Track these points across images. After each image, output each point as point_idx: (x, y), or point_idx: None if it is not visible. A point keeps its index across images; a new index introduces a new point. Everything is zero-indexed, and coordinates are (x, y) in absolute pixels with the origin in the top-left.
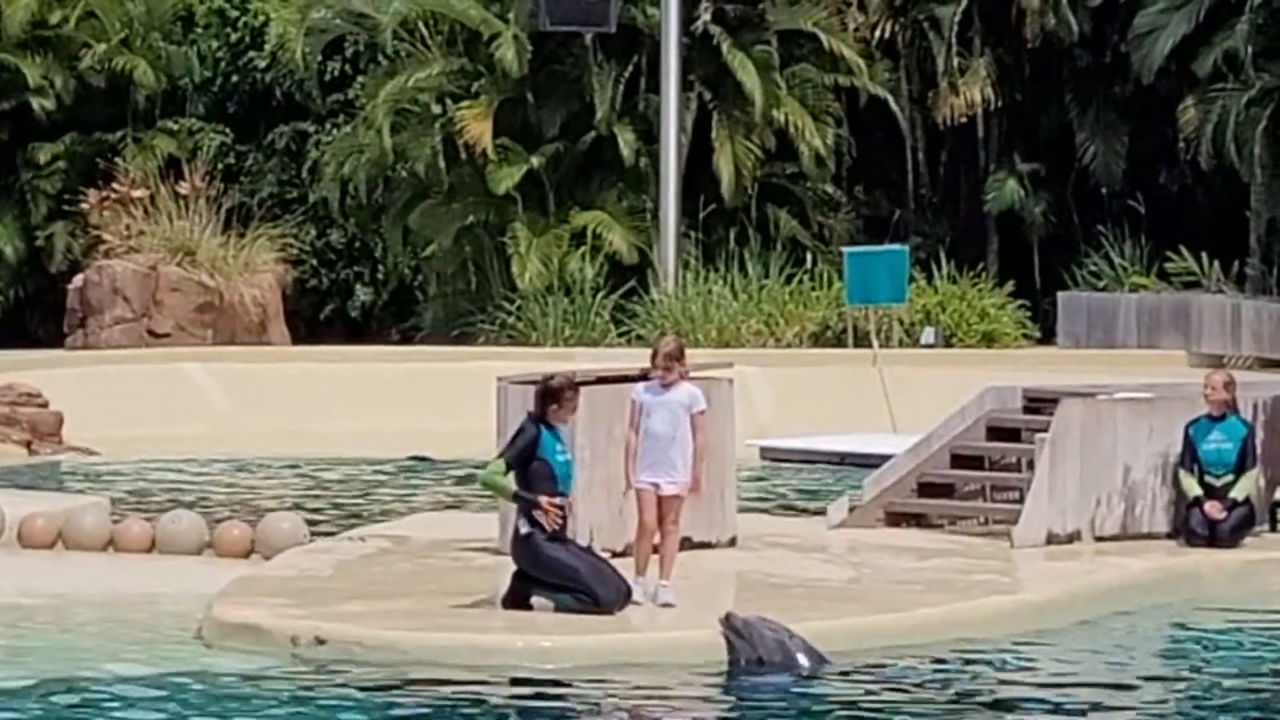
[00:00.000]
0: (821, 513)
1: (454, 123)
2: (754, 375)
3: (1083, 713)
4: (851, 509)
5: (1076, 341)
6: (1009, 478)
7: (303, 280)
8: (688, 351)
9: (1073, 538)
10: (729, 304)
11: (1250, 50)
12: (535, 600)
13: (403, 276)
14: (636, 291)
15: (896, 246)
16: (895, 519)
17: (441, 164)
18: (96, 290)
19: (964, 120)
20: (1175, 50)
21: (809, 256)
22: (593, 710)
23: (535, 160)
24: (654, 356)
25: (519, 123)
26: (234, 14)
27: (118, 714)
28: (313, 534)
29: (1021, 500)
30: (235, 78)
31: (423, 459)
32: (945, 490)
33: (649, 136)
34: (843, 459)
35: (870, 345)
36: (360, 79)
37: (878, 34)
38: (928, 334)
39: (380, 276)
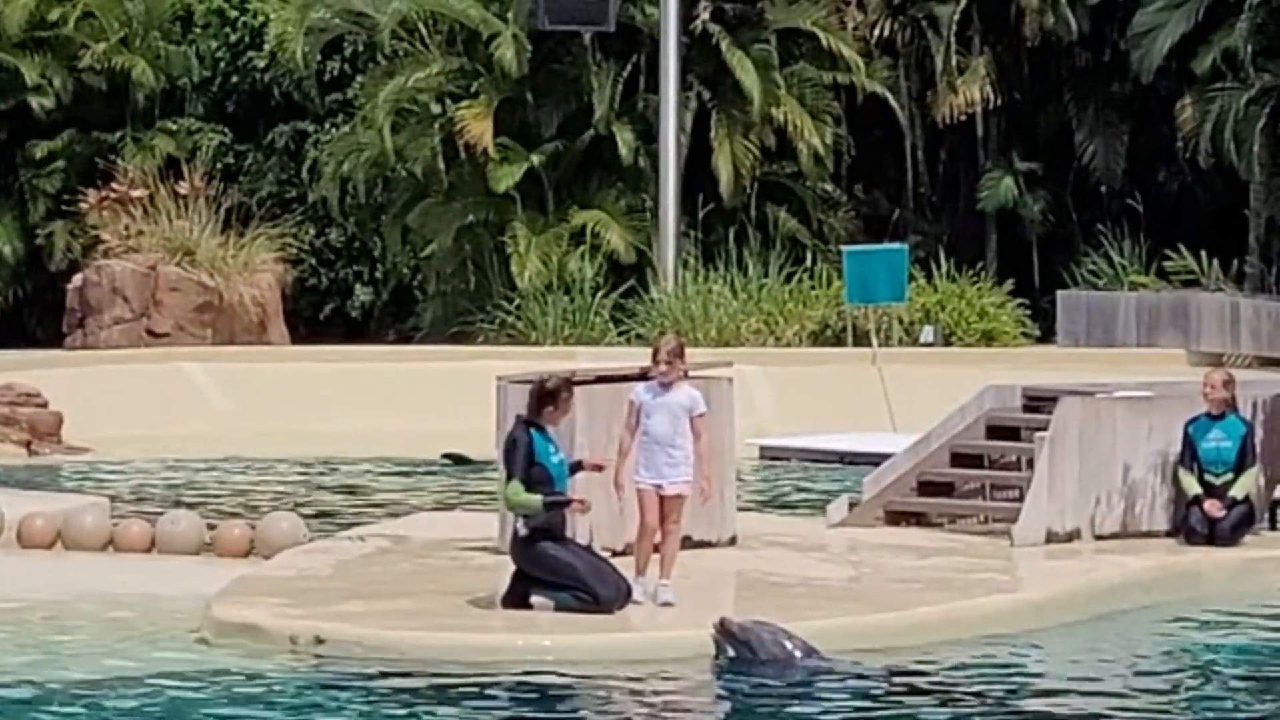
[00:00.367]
0: (821, 512)
1: (453, 122)
2: (753, 374)
3: (1083, 712)
4: (851, 508)
5: (1076, 340)
6: (1008, 476)
7: (302, 280)
8: (687, 351)
9: (1072, 536)
10: (728, 303)
11: (1249, 49)
12: (535, 599)
13: (402, 276)
14: (636, 291)
15: (896, 245)
16: (895, 518)
17: (441, 163)
18: (96, 290)
19: (963, 119)
20: (1174, 49)
21: (808, 255)
22: (593, 709)
23: (534, 159)
24: (654, 355)
25: (518, 122)
26: (233, 14)
27: (117, 714)
28: (312, 534)
29: (1021, 499)
30: (234, 77)
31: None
32: (945, 489)
33: (648, 135)
34: (842, 458)
35: (870, 344)
36: (359, 79)
37: (877, 32)
38: (927, 333)
39: (380, 276)
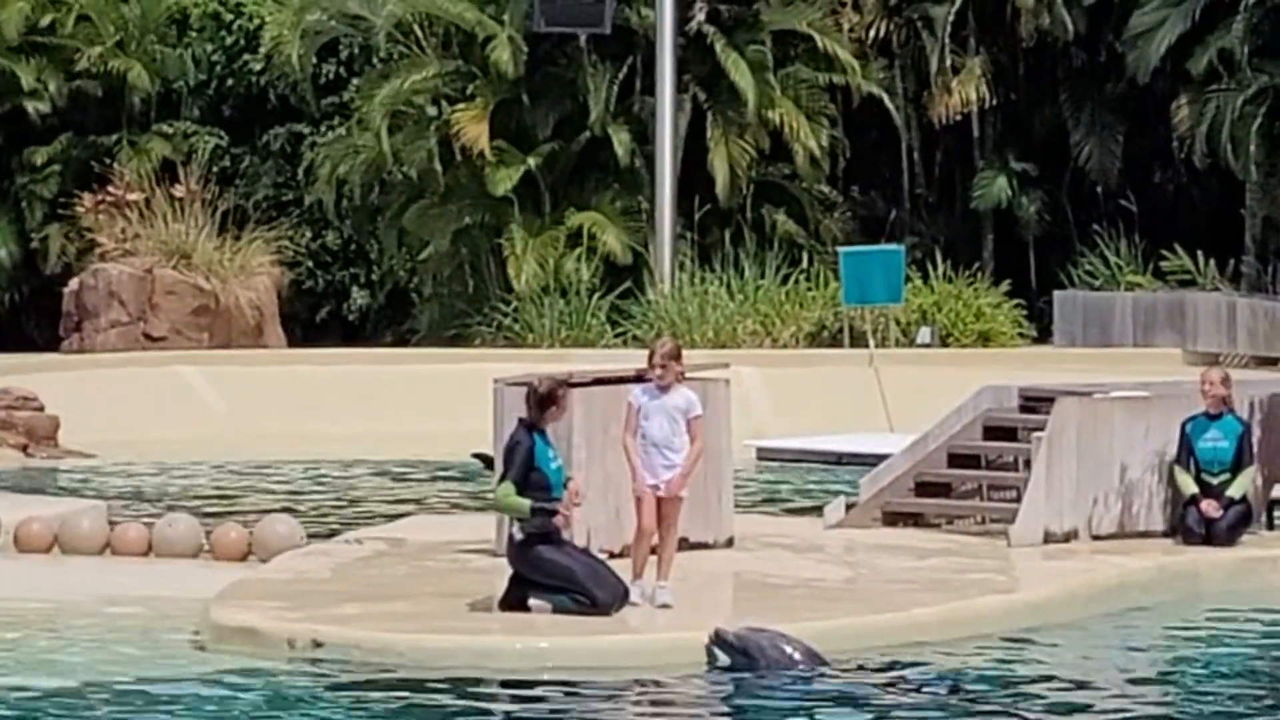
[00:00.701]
0: (818, 513)
1: (449, 124)
2: (750, 376)
3: (1080, 711)
4: (848, 509)
5: (1072, 340)
6: (1006, 477)
7: (298, 282)
8: (684, 352)
9: (1070, 536)
10: (725, 304)
11: (1245, 50)
12: (533, 602)
13: (398, 278)
14: (632, 292)
15: (892, 246)
16: (892, 519)
17: (437, 166)
18: (92, 294)
19: (959, 119)
20: (1170, 50)
21: (805, 256)
22: (591, 712)
23: (531, 162)
24: (651, 357)
25: (514, 124)
26: (228, 17)
27: (115, 718)
28: (309, 536)
29: (1018, 499)
30: (230, 80)
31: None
32: (942, 490)
33: (644, 137)
34: (839, 459)
35: (866, 345)
36: (355, 81)
37: (872, 33)
38: (924, 333)
39: (376, 278)
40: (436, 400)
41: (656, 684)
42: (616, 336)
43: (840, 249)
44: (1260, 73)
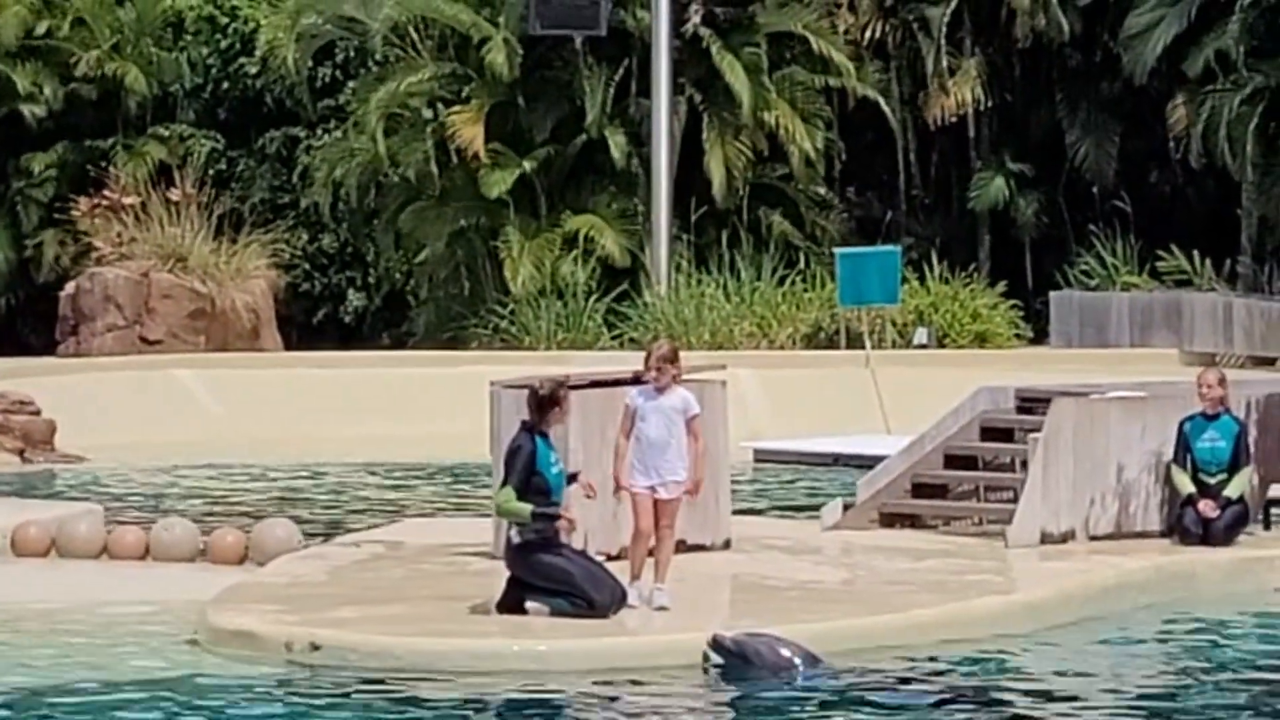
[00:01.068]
0: (816, 514)
1: (445, 127)
2: (747, 377)
3: (1078, 713)
4: (845, 510)
5: (1069, 341)
6: (1002, 478)
7: (295, 285)
8: (681, 354)
9: (1066, 537)
10: (721, 306)
11: (1241, 50)
12: (530, 605)
13: (395, 281)
14: (629, 295)
15: (888, 247)
16: (889, 520)
17: (433, 168)
18: (88, 298)
19: (955, 120)
20: (1166, 50)
21: (801, 258)
22: (588, 714)
23: (527, 164)
24: (647, 359)
25: (510, 127)
26: (224, 20)
27: None
28: (306, 539)
29: (1015, 500)
30: (226, 84)
31: None
32: (939, 491)
33: (640, 139)
34: (836, 460)
35: (863, 346)
36: (351, 84)
37: (868, 35)
38: (920, 334)
39: (372, 281)
40: (433, 403)
41: (654, 686)
42: (613, 339)
43: (836, 250)
44: (1256, 73)
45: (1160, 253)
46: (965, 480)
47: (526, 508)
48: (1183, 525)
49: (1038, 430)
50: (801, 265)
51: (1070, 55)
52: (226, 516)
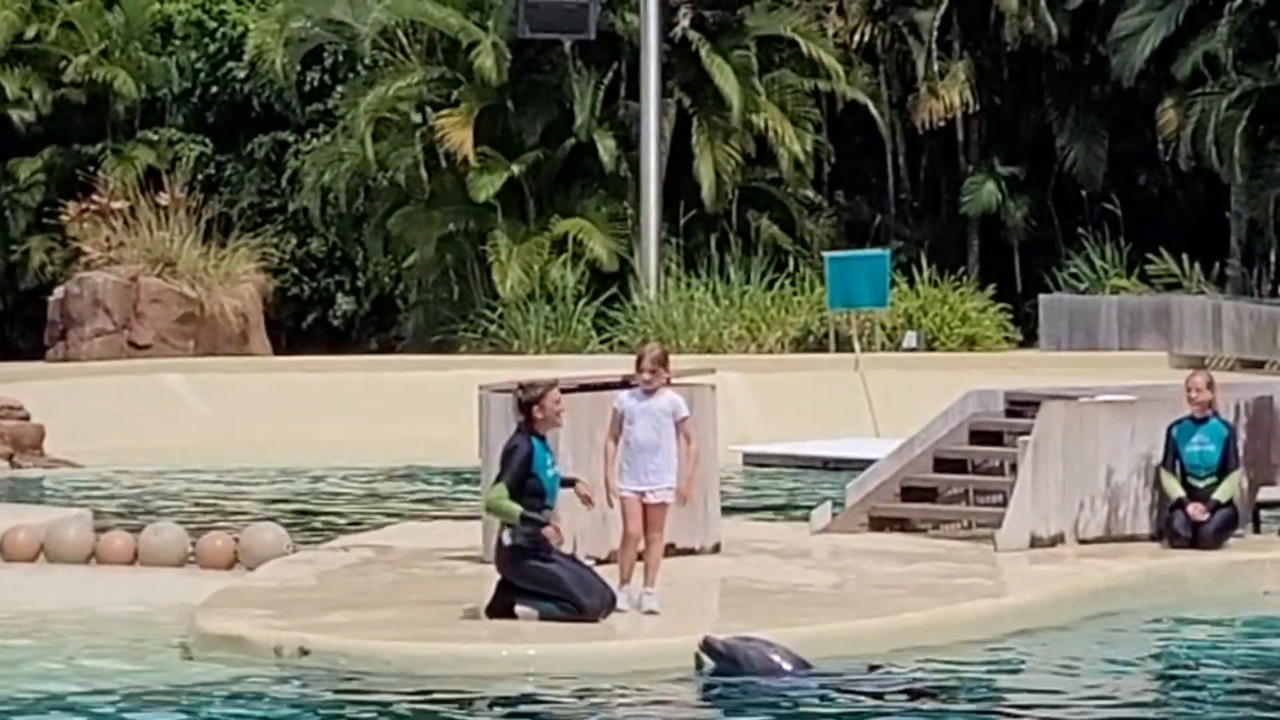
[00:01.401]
0: (805, 518)
1: (434, 131)
2: (736, 381)
3: (1067, 717)
4: (835, 514)
5: (1058, 344)
6: (992, 481)
7: (284, 290)
8: (670, 358)
9: (1056, 540)
10: (710, 310)
11: (1230, 53)
12: (520, 609)
13: (384, 285)
14: (618, 298)
15: (877, 251)
16: (878, 523)
17: (422, 172)
18: (77, 302)
19: (943, 124)
20: (1155, 53)
21: (790, 261)
22: (578, 718)
23: (516, 168)
24: (639, 363)
25: (499, 130)
26: (212, 25)
27: None
28: (296, 544)
29: (1004, 503)
30: (214, 88)
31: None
32: (928, 494)
33: (629, 143)
34: (826, 464)
35: (852, 349)
36: (340, 88)
37: (857, 38)
38: (909, 338)
39: (361, 285)
40: (422, 406)
41: (643, 690)
42: (602, 343)
43: (825, 253)
44: (1245, 76)
45: (1149, 256)
46: (955, 484)
47: (516, 508)
48: (1172, 529)
49: (1027, 433)
50: (791, 268)
51: (1059, 58)
52: (215, 521)
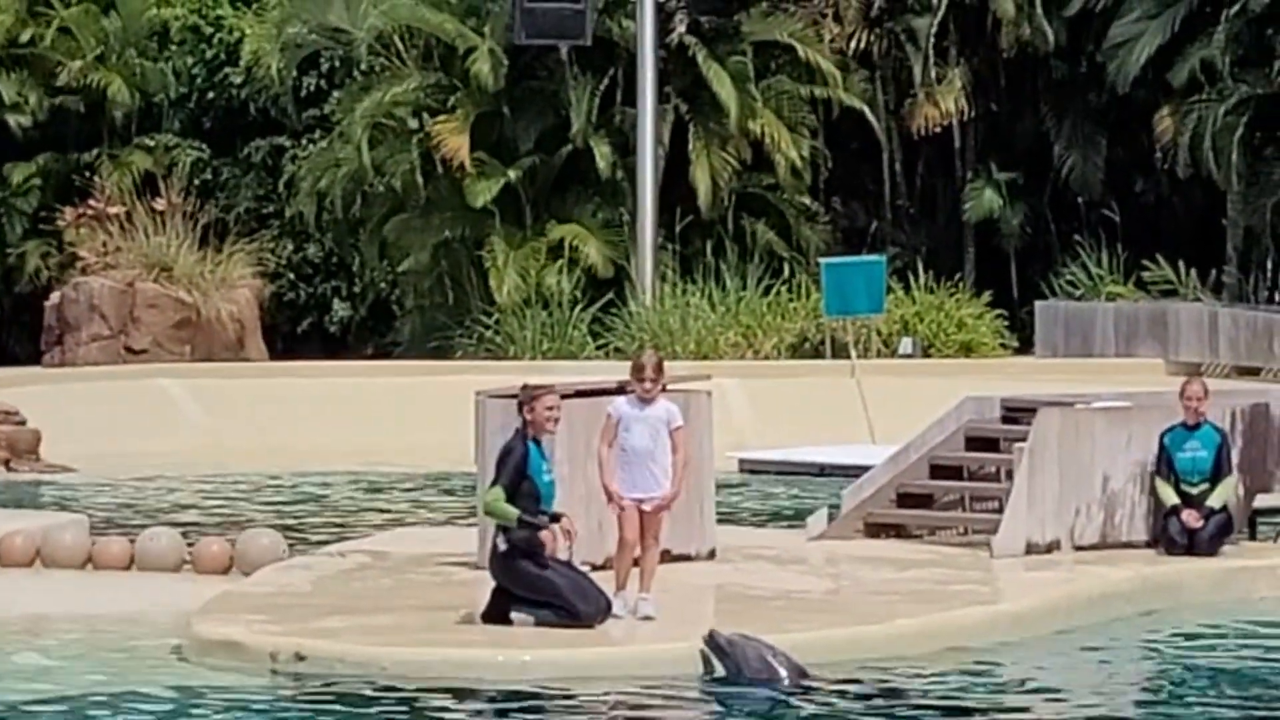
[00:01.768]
0: (801, 524)
1: (430, 137)
2: (732, 387)
3: None
4: (830, 520)
5: (1054, 350)
6: (988, 488)
7: (280, 295)
8: (666, 364)
9: (1052, 547)
10: (706, 316)
11: (1226, 59)
12: (515, 615)
13: (380, 291)
14: (614, 304)
15: (874, 257)
16: (874, 530)
17: (418, 178)
18: (73, 307)
19: (940, 130)
20: (1151, 60)
21: (786, 268)
22: None
23: (512, 174)
24: (640, 371)
25: (495, 136)
26: (209, 30)
27: None
28: (292, 549)
29: (1000, 510)
30: (211, 94)
31: None
32: (924, 501)
33: (625, 149)
34: (821, 470)
35: (848, 356)
36: (336, 94)
37: (853, 45)
38: (905, 344)
39: (357, 291)
40: (418, 412)
41: (639, 696)
42: (598, 349)
43: (822, 260)
44: (1241, 83)
45: (1146, 262)
46: (950, 490)
47: (514, 511)
48: (1168, 535)
49: (1023, 440)
50: (787, 275)
51: (1055, 65)
52: (211, 526)
